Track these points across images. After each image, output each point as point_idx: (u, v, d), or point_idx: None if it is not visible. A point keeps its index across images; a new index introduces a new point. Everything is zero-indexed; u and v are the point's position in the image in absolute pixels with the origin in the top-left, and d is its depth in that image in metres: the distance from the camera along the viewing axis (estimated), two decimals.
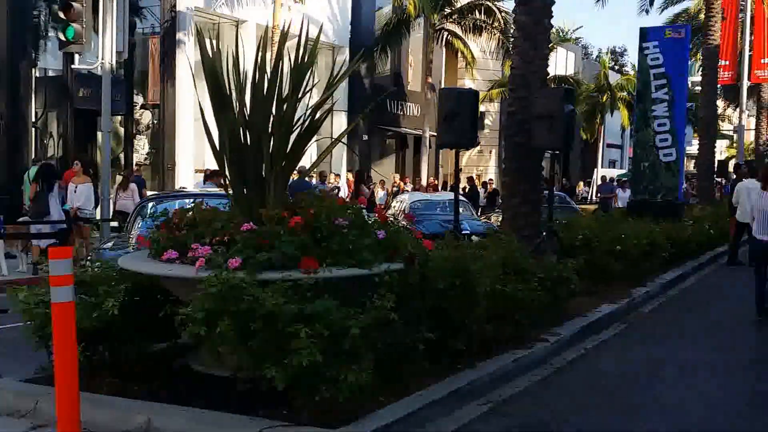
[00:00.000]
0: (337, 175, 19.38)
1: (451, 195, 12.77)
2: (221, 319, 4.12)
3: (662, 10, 30.23)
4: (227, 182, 5.41)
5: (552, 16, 9.79)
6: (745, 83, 23.83)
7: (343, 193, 19.36)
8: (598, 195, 25.57)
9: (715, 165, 22.39)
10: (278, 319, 4.06)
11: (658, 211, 14.52)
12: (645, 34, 15.39)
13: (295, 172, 6.70)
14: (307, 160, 20.32)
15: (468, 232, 11.86)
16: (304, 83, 5.30)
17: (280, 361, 4.02)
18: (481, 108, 32.62)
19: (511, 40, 10.71)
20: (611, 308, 8.59)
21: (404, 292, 4.85)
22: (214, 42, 5.39)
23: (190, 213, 5.19)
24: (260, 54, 5.36)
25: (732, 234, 14.21)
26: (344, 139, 23.07)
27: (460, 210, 14.56)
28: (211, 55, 5.36)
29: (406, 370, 4.79)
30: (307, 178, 16.91)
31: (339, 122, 22.95)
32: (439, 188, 23.38)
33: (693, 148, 33.12)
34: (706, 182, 20.35)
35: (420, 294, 5.05)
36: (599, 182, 28.13)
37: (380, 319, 4.26)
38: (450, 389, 4.96)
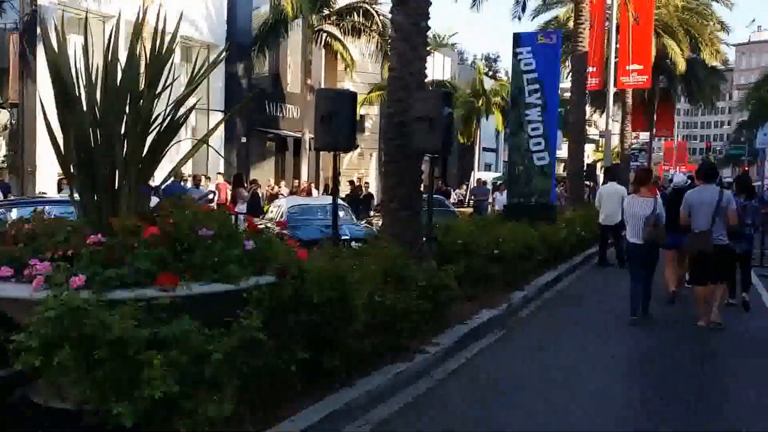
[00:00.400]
0: (208, 178, 18.52)
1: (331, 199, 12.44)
2: (61, 347, 3.56)
3: (533, 17, 31.31)
4: (73, 189, 4.80)
5: (429, 18, 9.66)
6: (612, 89, 24.92)
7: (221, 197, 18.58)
8: (473, 198, 25.99)
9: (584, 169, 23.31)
10: (128, 345, 3.56)
11: (533, 213, 14.78)
12: (518, 39, 15.67)
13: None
14: (189, 163, 19.58)
15: (348, 237, 11.57)
16: (164, 78, 4.80)
17: (130, 393, 3.52)
18: (362, 111, 32.48)
19: (390, 42, 10.50)
20: (491, 314, 8.51)
21: (276, 308, 4.45)
22: (79, 37, 4.77)
23: (29, 224, 4.55)
24: (112, 46, 4.80)
25: (601, 235, 14.72)
26: (219, 141, 22.34)
27: (341, 214, 14.37)
28: (56, 49, 4.75)
29: (278, 395, 4.38)
30: (183, 182, 16.15)
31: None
32: (320, 192, 23.02)
33: (562, 152, 34.55)
34: (577, 185, 21.04)
35: (294, 309, 4.66)
36: (474, 185, 28.64)
37: (247, 340, 3.84)
38: (325, 412, 4.59)
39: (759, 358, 7.50)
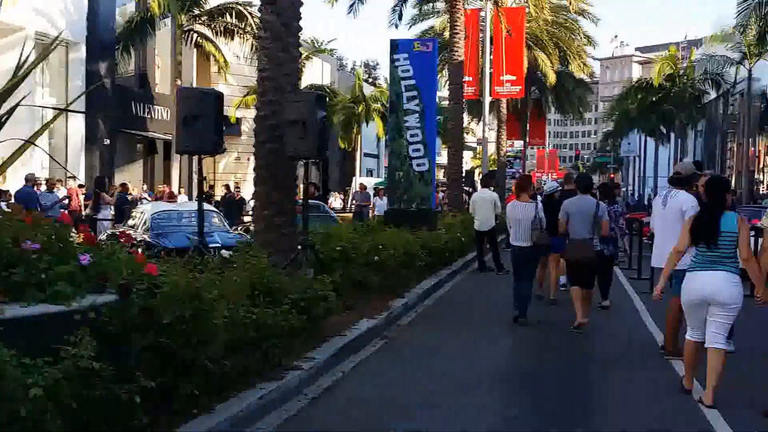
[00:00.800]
0: (59, 181, 17.12)
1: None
2: None
3: (410, 26, 31.47)
4: None
5: (300, 18, 9.29)
6: (487, 98, 25.41)
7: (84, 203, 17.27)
8: (353, 203, 25.74)
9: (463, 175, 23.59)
10: None
11: (414, 219, 14.70)
12: (395, 46, 15.56)
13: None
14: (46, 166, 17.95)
15: (219, 245, 10.91)
16: None
17: None
18: (238, 114, 31.60)
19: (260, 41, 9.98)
20: (370, 324, 8.16)
21: (120, 331, 3.87)
22: None
23: None
24: None
25: (477, 241, 14.78)
26: (80, 143, 20.88)
27: (213, 221, 13.65)
28: None
29: (118, 431, 3.78)
30: (35, 187, 14.82)
31: (76, 125, 20.69)
32: (193, 197, 21.97)
33: (442, 158, 35.00)
34: (456, 191, 21.22)
35: (141, 330, 4.08)
36: (356, 190, 28.40)
37: (77, 370, 3.26)
38: None
39: (640, 363, 7.56)
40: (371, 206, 22.83)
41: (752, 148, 33.61)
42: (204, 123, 7.70)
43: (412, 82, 15.38)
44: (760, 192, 34.85)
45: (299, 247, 8.62)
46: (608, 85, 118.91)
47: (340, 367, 6.71)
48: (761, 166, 36.22)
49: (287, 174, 9.08)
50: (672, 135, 42.86)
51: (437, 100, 18.31)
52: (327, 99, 35.21)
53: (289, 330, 5.89)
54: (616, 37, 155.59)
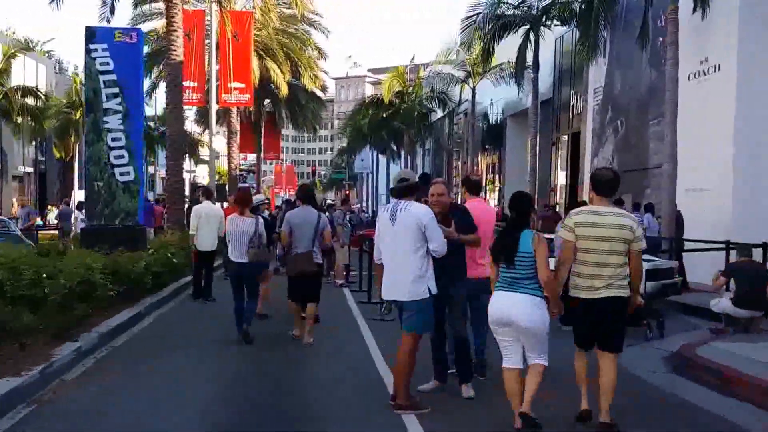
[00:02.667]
0: None
1: None
2: None
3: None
4: None
5: None
6: (214, 106, 23.54)
7: None
8: (57, 220, 22.27)
9: (188, 188, 21.42)
10: None
11: (118, 238, 12.50)
12: (92, 34, 13.26)
13: None
14: None
15: None
16: None
17: None
18: None
19: None
20: (12, 384, 5.97)
21: None
22: None
23: None
24: None
25: (195, 262, 12.80)
26: None
27: None
28: None
29: None
30: None
31: None
32: None
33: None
34: (177, 205, 19.00)
35: None
36: (68, 206, 24.74)
37: None
38: None
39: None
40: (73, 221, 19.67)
41: (476, 167, 35.48)
42: None
43: (113, 77, 13.12)
44: None
45: None
46: (343, 103, 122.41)
47: None
48: (484, 183, 38.46)
49: None
50: (402, 152, 44.22)
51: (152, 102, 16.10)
52: (35, 102, 31.03)
53: None
54: (350, 57, 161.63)
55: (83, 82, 13.30)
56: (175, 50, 17.72)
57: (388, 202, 7.20)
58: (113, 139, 13.17)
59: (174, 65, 17.85)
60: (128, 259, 10.95)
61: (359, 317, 10.92)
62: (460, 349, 6.36)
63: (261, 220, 9.22)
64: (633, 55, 20.47)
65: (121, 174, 13.32)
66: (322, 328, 9.43)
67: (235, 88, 24.32)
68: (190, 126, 51.10)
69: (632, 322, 8.91)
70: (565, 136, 27.40)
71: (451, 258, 5.95)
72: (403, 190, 5.93)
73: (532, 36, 22.86)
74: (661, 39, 18.59)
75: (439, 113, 40.94)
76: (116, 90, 13.05)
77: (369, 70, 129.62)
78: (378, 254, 6.06)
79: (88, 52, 13.04)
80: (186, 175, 49.18)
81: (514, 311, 5.20)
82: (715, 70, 16.44)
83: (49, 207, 32.89)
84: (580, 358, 5.53)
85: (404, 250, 5.73)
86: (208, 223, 12.34)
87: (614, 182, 5.43)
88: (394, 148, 46.47)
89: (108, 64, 13.01)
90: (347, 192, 63.05)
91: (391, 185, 6.14)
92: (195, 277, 12.82)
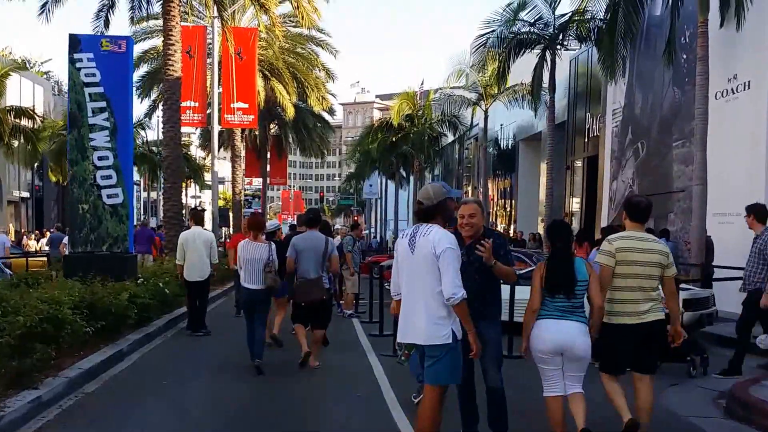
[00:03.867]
0: None
1: None
2: None
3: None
4: None
5: None
6: (216, 126, 22.56)
7: None
8: (49, 245, 21.16)
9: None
10: None
11: (105, 266, 11.38)
12: (77, 42, 12.23)
13: None
14: None
15: None
16: None
17: None
18: None
19: None
20: None
21: None
22: None
23: None
24: None
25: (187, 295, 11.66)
26: None
27: None
28: None
29: None
30: None
31: None
32: None
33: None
34: (175, 230, 17.88)
35: None
36: (61, 231, 23.67)
37: None
38: None
39: None
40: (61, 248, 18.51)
41: (489, 193, 34.40)
42: None
43: (100, 89, 12.09)
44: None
45: None
46: (351, 129, 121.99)
47: None
48: (494, 210, 37.31)
49: None
50: (411, 178, 43.16)
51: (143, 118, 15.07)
52: (31, 124, 30.07)
53: None
54: (357, 83, 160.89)
55: (69, 90, 12.20)
56: (172, 65, 16.77)
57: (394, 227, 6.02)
58: (100, 158, 12.11)
59: (171, 81, 16.88)
60: (112, 290, 9.82)
61: (370, 354, 9.73)
62: (496, 402, 5.26)
63: (274, 246, 8.78)
64: (654, 73, 19.43)
65: (109, 196, 12.25)
66: (331, 367, 8.55)
67: (239, 109, 23.31)
68: (195, 151, 50.40)
69: (675, 358, 7.88)
70: (580, 161, 26.29)
71: (485, 289, 5.05)
72: (422, 214, 4.79)
73: (548, 55, 21.88)
74: (684, 56, 17.54)
75: (450, 137, 39.93)
76: (103, 104, 12.02)
77: (377, 96, 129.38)
78: (396, 289, 4.93)
79: (72, 62, 12.01)
80: (191, 201, 48.40)
81: (575, 340, 5.05)
82: (745, 88, 15.35)
83: (44, 232, 31.90)
84: (612, 381, 5.39)
85: (423, 285, 4.60)
86: (196, 250, 11.23)
87: (649, 209, 5.47)
88: (403, 173, 45.44)
89: (94, 75, 11.99)
90: (356, 217, 61.98)
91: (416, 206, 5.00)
92: (189, 308, 11.69)
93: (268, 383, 7.96)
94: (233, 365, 8.81)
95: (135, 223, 16.33)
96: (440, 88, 33.83)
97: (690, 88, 17.48)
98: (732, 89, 15.65)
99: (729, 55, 15.48)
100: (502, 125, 33.43)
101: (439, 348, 4.52)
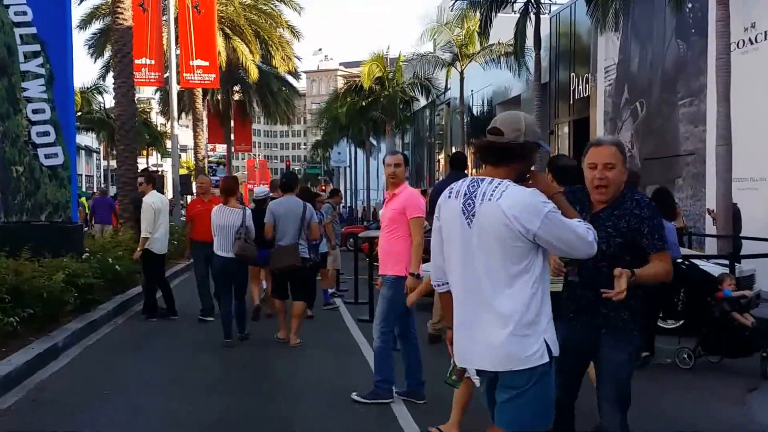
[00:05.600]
0: None
1: None
2: None
3: (81, 2, 25.56)
4: None
5: None
6: (175, 87, 20.50)
7: None
8: None
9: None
10: None
11: (44, 239, 9.59)
12: None
13: None
14: None
15: None
16: None
17: None
18: None
19: None
20: None
21: None
22: None
23: None
24: None
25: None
26: None
27: None
28: None
29: None
30: None
31: None
32: None
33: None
34: (129, 199, 15.98)
35: None
36: None
37: None
38: None
39: None
40: None
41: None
42: None
43: (33, 30, 10.12)
44: None
45: None
46: (315, 97, 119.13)
47: None
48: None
49: None
50: (383, 145, 41.33)
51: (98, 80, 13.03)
52: None
53: None
54: (320, 50, 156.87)
55: None
56: (121, 13, 14.72)
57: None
58: (34, 111, 10.18)
59: (122, 31, 14.82)
60: (45, 269, 8.02)
61: (363, 342, 8.11)
62: None
63: (249, 211, 8.36)
64: (653, 25, 17.92)
65: (47, 156, 10.35)
66: (322, 362, 7.07)
67: (199, 67, 21.28)
68: (156, 118, 47.90)
69: (743, 352, 6.48)
70: (566, 125, 24.81)
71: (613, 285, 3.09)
72: (504, 152, 2.81)
73: (531, 8, 20.29)
74: (690, 4, 16.04)
75: (423, 101, 38.12)
76: (37, 47, 10.06)
77: (341, 64, 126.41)
78: (439, 275, 3.04)
79: None
80: (153, 170, 46.03)
81: None
82: (765, 38, 13.93)
83: None
84: None
85: (494, 274, 2.78)
86: (165, 218, 9.80)
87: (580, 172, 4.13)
88: (374, 142, 43.61)
89: (25, 14, 10.00)
90: (323, 186, 60.04)
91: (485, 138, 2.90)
92: (147, 290, 9.95)
93: (247, 391, 6.31)
94: (202, 362, 7.18)
95: (94, 191, 14.43)
96: (408, 55, 32.12)
97: (697, 39, 16.04)
98: (750, 39, 14.21)
99: (745, 1, 14.03)
100: (472, 91, 31.63)
101: (524, 375, 2.75)
